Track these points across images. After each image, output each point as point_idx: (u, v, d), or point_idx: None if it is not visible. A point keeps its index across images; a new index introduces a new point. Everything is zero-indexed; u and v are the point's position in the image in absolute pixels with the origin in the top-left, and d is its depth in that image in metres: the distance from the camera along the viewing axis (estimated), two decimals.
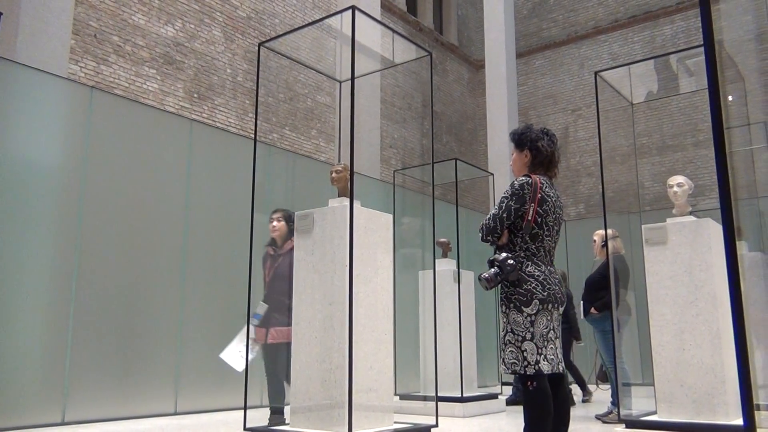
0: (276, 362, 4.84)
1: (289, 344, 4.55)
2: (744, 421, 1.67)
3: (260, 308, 4.91)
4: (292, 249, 4.71)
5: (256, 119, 5.42)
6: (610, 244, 5.87)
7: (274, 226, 5.06)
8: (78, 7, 7.72)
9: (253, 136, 5.93)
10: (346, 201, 4.44)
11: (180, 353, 6.30)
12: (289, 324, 4.47)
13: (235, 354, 4.87)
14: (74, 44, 7.66)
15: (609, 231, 5.90)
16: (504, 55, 12.38)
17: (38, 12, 6.58)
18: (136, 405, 5.87)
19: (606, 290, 5.87)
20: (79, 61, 7.75)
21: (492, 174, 9.51)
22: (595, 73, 5.55)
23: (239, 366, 4.64)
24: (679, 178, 5.17)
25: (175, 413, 6.14)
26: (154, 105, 8.20)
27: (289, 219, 5.03)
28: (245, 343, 4.71)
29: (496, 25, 12.60)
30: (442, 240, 8.04)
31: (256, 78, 6.02)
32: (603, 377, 6.36)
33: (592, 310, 6.19)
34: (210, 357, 6.25)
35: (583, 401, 7.59)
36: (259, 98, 5.63)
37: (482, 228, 3.11)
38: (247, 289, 4.81)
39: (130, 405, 5.87)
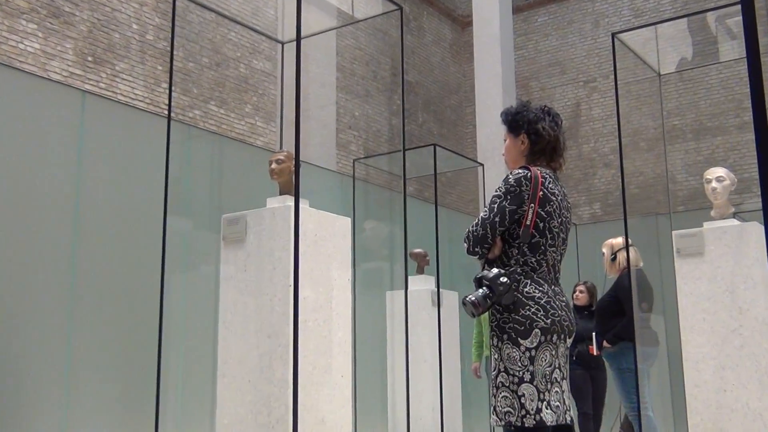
0: None
1: None
2: None
3: None
4: None
5: (170, 91, 5.37)
6: (621, 256, 5.93)
7: None
8: None
9: (166, 112, 5.84)
10: (291, 200, 4.41)
11: (68, 391, 6.21)
12: None
13: None
14: None
15: (620, 240, 5.96)
16: (497, 10, 12.44)
17: None
18: None
19: (619, 317, 5.92)
20: None
21: (482, 164, 9.56)
22: (613, 35, 5.62)
23: None
24: (719, 171, 5.26)
25: None
26: (34, 71, 8.04)
27: None
28: None
29: None
30: (416, 251, 8.05)
31: (170, 37, 5.94)
32: (629, 427, 6.46)
33: (605, 343, 6.23)
34: (107, 396, 6.22)
35: None
36: (174, 63, 5.57)
37: (468, 237, 3.11)
38: (158, 310, 4.76)
39: None
